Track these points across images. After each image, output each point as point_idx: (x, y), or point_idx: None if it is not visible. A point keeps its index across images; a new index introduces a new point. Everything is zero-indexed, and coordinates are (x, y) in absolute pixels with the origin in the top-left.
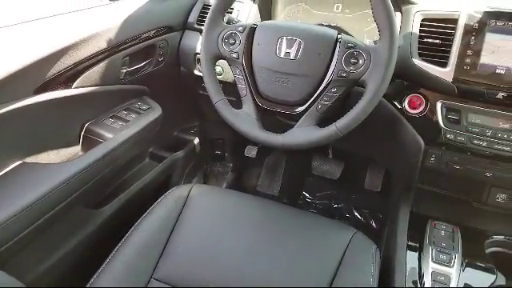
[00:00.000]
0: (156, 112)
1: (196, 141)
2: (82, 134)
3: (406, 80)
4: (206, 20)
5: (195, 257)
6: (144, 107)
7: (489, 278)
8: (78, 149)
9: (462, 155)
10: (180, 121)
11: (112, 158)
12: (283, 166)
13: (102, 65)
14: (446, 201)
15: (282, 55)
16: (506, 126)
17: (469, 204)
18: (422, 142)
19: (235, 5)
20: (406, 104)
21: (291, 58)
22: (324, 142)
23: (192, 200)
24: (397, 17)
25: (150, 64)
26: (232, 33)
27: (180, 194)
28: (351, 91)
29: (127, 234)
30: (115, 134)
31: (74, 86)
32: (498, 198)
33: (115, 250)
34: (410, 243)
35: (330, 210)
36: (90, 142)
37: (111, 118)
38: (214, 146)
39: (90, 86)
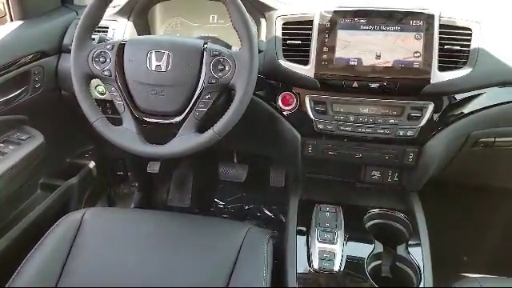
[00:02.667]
0: (37, 140)
1: (92, 164)
2: None
3: (276, 80)
4: (74, 41)
5: (92, 281)
6: (23, 137)
7: (368, 248)
8: None
9: (334, 142)
10: (72, 146)
11: None
12: (191, 176)
13: None
14: (332, 185)
15: (153, 68)
16: (365, 110)
17: (352, 185)
18: (298, 135)
19: (110, 24)
20: (279, 102)
21: (162, 70)
22: (205, 147)
23: (86, 224)
24: (262, 23)
25: (25, 92)
26: (101, 51)
27: (72, 220)
28: (232, 95)
29: (17, 271)
30: None
31: None
32: (373, 176)
33: None
34: (300, 228)
35: (243, 212)
36: None
37: None
38: (115, 168)
39: None
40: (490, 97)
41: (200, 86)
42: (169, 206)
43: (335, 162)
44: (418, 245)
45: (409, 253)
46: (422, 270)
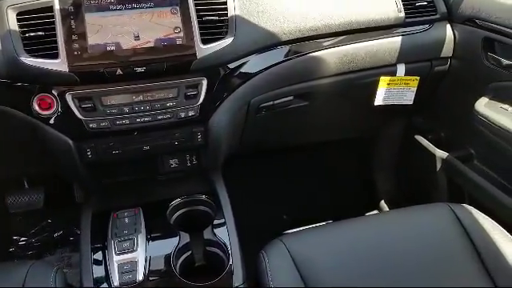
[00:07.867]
0: None
1: None
2: None
3: (24, 82)
4: None
5: None
6: None
7: (173, 242)
8: None
9: (114, 139)
10: None
11: None
12: None
13: None
14: (132, 186)
15: None
16: (140, 98)
17: (153, 180)
18: (69, 141)
19: None
20: (36, 107)
21: None
22: None
23: None
24: None
25: None
26: None
27: None
28: None
29: None
30: None
31: None
32: (172, 165)
33: None
34: (94, 246)
35: (52, 241)
36: None
37: None
38: None
39: None
40: (255, 63)
41: None
42: None
43: (125, 160)
44: (224, 223)
45: (215, 234)
46: (229, 247)
